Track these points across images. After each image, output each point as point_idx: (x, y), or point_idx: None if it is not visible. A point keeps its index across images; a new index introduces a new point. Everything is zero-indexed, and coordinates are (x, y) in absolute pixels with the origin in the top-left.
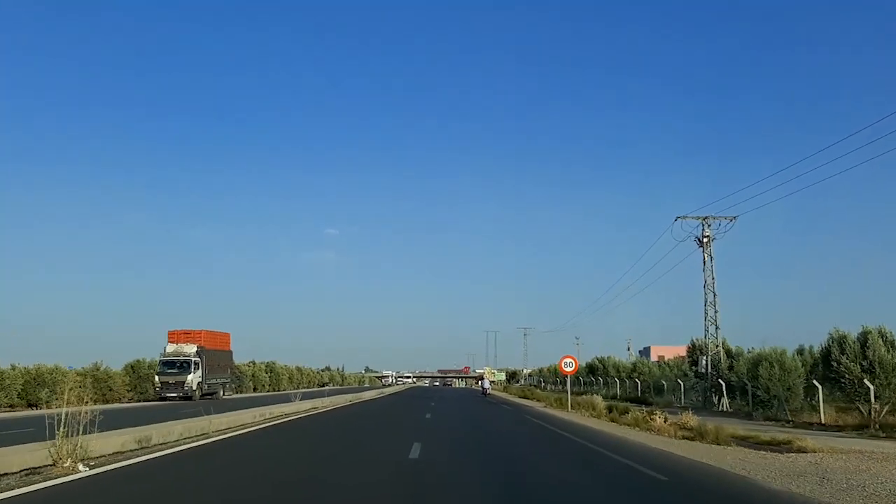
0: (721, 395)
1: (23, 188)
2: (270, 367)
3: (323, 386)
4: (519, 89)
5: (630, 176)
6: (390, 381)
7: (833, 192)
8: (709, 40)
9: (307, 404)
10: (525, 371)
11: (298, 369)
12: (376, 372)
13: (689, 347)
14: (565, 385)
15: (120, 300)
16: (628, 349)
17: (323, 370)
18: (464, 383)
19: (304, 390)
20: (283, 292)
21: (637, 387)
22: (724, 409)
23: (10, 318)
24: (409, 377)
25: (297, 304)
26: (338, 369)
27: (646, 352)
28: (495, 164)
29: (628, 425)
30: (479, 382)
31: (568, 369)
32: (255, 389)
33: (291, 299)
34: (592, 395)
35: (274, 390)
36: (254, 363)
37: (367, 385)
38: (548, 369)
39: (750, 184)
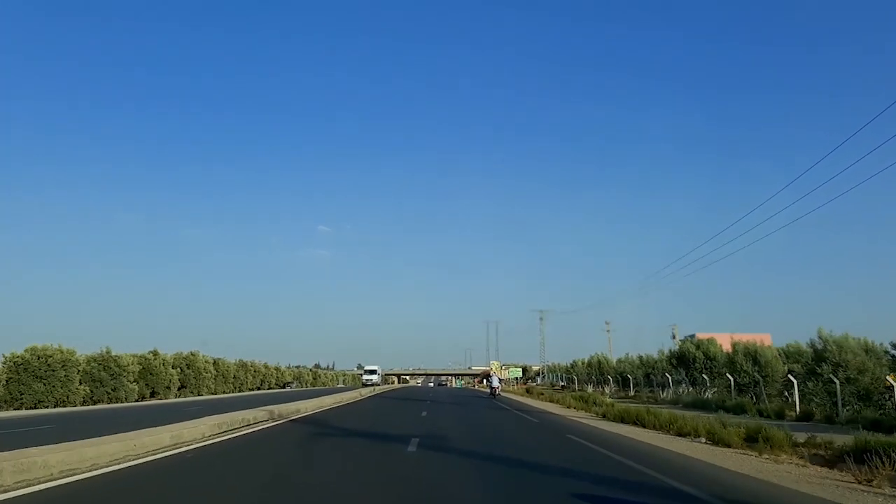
0: None
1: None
2: (188, 362)
3: (283, 387)
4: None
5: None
6: (375, 379)
7: None
8: None
9: None
10: (537, 367)
11: (243, 365)
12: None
13: None
14: (624, 386)
15: (116, 299)
16: (673, 337)
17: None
18: (460, 382)
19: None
20: (276, 290)
21: (834, 393)
22: None
23: None
24: (374, 371)
25: (290, 302)
26: (328, 367)
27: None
28: (486, 157)
29: None
30: (486, 381)
31: None
32: (153, 395)
33: (284, 297)
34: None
35: (195, 394)
36: (155, 353)
37: (340, 385)
38: (582, 363)
39: None
